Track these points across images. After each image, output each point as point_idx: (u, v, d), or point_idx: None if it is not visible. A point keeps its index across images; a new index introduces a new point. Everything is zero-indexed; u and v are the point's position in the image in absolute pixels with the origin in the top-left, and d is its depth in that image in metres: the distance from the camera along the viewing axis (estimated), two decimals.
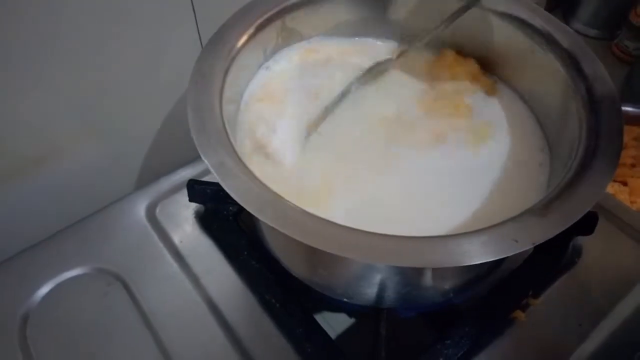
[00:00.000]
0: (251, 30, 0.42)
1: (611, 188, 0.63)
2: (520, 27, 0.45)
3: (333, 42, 0.50)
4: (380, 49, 0.51)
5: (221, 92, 0.37)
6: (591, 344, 0.45)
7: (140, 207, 0.53)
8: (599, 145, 0.36)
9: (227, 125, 0.35)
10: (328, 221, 0.31)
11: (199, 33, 0.49)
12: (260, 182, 0.32)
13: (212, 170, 0.32)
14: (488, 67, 0.49)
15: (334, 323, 0.48)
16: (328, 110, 0.45)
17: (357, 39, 0.51)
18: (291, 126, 0.44)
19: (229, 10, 0.43)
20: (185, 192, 0.51)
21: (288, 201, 0.32)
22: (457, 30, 0.48)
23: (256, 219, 0.43)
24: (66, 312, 0.46)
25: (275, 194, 0.32)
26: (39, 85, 0.43)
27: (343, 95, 0.46)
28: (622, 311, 0.47)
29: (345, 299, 0.43)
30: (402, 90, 0.48)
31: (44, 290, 0.47)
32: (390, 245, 0.31)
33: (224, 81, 0.38)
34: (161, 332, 0.45)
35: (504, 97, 0.48)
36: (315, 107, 0.45)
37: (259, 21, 0.42)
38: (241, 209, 0.51)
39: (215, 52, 0.40)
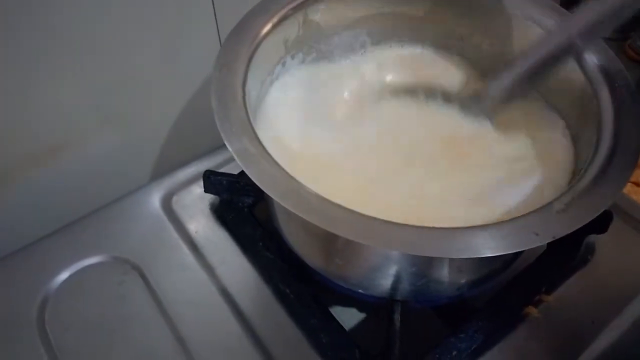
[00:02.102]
0: (274, 21, 0.42)
1: (624, 188, 0.63)
2: (539, 26, 0.45)
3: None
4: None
5: (244, 81, 0.38)
6: (603, 342, 0.45)
7: (156, 198, 0.54)
8: (618, 144, 0.36)
9: (249, 114, 0.36)
10: (349, 209, 0.31)
11: (217, 25, 0.49)
12: (283, 169, 0.33)
13: (235, 156, 0.33)
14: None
15: (345, 317, 0.48)
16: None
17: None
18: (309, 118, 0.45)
19: (247, 1, 0.44)
20: (200, 183, 0.52)
21: (308, 188, 0.32)
22: (476, 31, 0.49)
23: (272, 209, 0.44)
24: (83, 299, 0.46)
25: (296, 180, 0.32)
26: (58, 75, 0.43)
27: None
28: (635, 309, 0.47)
29: (360, 290, 0.43)
30: None
31: (62, 277, 0.47)
32: (411, 234, 0.31)
33: (247, 70, 0.39)
34: (176, 321, 0.45)
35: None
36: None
37: (282, 12, 0.43)
38: (256, 201, 0.52)
39: (239, 42, 0.40)
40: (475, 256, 0.30)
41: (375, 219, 0.31)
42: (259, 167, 0.32)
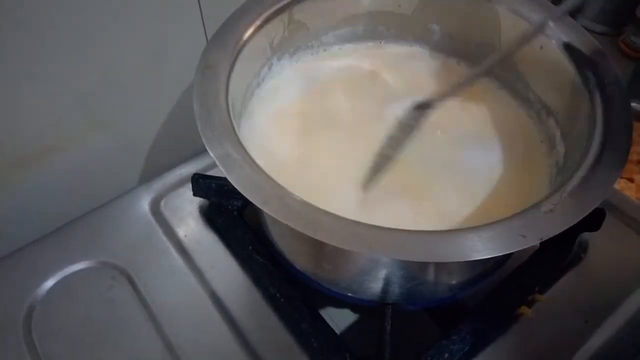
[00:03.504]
0: (258, 22, 0.42)
1: (617, 184, 0.62)
2: (528, 22, 0.45)
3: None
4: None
5: (227, 84, 0.37)
6: (597, 341, 0.44)
7: (144, 201, 0.53)
8: (608, 141, 0.36)
9: (232, 118, 0.35)
10: (333, 214, 0.31)
11: (203, 26, 0.49)
12: (266, 174, 0.32)
13: (217, 162, 0.32)
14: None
15: (337, 319, 0.48)
16: None
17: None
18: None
19: (234, 2, 0.43)
20: (189, 186, 0.51)
21: (293, 194, 0.31)
22: (465, 25, 0.48)
23: (261, 213, 0.43)
24: (71, 305, 0.46)
25: (280, 186, 0.32)
26: (44, 77, 0.43)
27: None
28: (629, 307, 0.46)
29: (349, 294, 0.42)
30: None
31: (49, 283, 0.47)
32: (396, 238, 0.30)
33: (230, 73, 0.38)
34: (165, 326, 0.45)
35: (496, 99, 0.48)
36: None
37: (266, 13, 0.42)
38: (245, 204, 0.51)
39: (222, 44, 0.39)
40: (462, 260, 0.30)
41: (359, 223, 0.30)
42: (240, 173, 0.32)
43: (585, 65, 0.41)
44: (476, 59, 0.49)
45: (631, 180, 0.62)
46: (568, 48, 0.42)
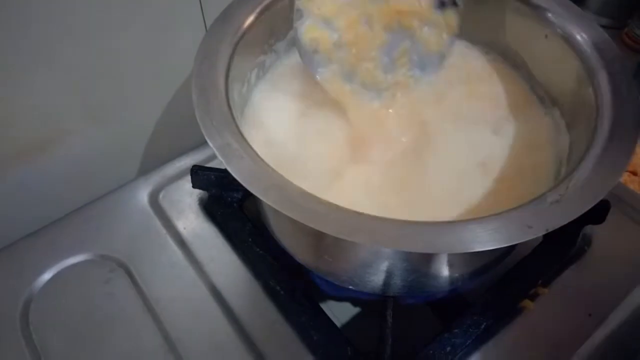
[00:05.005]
0: (258, 10, 0.41)
1: (621, 178, 0.62)
2: (533, 10, 0.44)
3: None
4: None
5: (227, 73, 0.37)
6: (601, 334, 0.44)
7: (143, 194, 0.53)
8: (615, 133, 0.35)
9: (232, 107, 0.35)
10: (334, 204, 0.30)
11: (203, 16, 0.48)
12: (266, 164, 0.32)
13: (216, 151, 0.31)
14: (497, 50, 0.49)
15: (338, 312, 0.47)
16: None
17: None
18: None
19: None
20: (188, 178, 0.51)
21: (293, 184, 0.31)
22: (467, 13, 0.47)
23: (260, 204, 0.43)
24: (69, 298, 0.45)
25: (280, 176, 0.31)
26: (42, 70, 0.42)
27: None
28: (633, 301, 0.46)
29: (350, 287, 0.42)
30: None
31: (47, 276, 0.46)
32: (398, 229, 0.30)
33: (229, 63, 0.37)
34: (164, 319, 0.44)
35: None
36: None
37: (268, 1, 0.41)
38: (245, 196, 0.51)
39: (221, 33, 0.39)
40: (465, 251, 0.29)
41: (361, 214, 0.30)
42: (240, 162, 0.31)
43: (591, 55, 0.40)
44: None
45: (635, 173, 0.62)
46: (574, 37, 0.41)
